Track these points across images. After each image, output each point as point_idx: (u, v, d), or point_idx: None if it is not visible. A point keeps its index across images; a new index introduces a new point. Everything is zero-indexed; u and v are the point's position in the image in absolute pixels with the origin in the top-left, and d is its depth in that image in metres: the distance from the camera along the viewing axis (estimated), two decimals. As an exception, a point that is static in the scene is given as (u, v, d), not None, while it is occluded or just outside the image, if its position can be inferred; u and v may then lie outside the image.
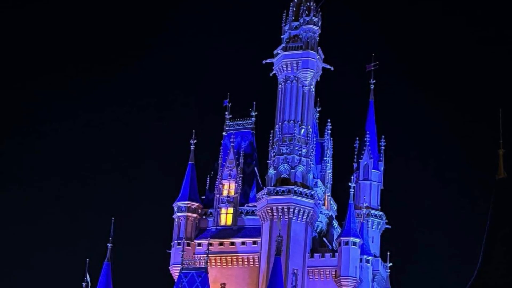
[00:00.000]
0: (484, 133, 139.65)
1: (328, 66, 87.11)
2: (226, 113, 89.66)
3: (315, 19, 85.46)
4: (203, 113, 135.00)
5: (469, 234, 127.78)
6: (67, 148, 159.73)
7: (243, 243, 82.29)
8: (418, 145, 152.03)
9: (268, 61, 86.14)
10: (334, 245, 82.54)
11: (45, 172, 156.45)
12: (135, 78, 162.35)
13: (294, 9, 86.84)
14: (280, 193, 79.81)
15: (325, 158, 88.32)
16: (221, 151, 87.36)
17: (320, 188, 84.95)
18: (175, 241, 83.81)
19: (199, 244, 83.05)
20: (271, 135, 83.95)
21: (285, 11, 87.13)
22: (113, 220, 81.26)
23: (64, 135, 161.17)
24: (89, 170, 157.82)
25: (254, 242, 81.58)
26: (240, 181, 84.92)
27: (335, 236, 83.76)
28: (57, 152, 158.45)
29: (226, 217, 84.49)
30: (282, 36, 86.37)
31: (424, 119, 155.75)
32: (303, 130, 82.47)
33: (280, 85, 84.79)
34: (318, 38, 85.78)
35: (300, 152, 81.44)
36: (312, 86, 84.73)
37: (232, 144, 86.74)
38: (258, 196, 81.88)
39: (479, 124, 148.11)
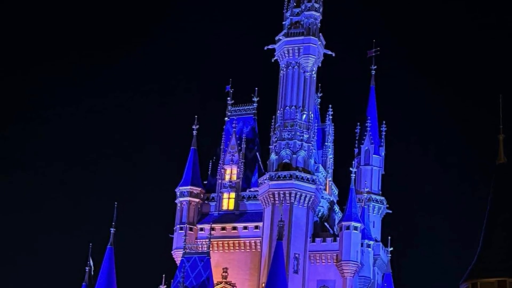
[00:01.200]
0: (484, 119, 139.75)
1: (330, 52, 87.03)
2: (228, 98, 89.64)
3: (316, 5, 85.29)
4: (205, 99, 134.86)
5: (470, 218, 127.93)
6: (70, 134, 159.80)
7: (245, 227, 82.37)
8: (419, 130, 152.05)
9: (270, 47, 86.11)
10: (335, 230, 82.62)
11: (49, 157, 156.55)
12: (138, 64, 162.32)
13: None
14: (281, 178, 79.84)
15: (326, 144, 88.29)
16: (223, 136, 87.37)
17: (322, 173, 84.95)
18: (178, 226, 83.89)
19: (201, 229, 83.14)
20: (273, 121, 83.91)
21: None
22: (116, 205, 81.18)
23: (67, 121, 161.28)
24: (92, 155, 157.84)
25: (256, 227, 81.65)
26: (242, 166, 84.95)
27: (337, 221, 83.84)
28: (60, 137, 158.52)
29: (228, 202, 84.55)
30: (283, 22, 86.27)
31: (424, 105, 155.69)
32: (304, 116, 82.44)
33: (281, 71, 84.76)
34: (319, 24, 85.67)
35: (301, 138, 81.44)
36: (313, 72, 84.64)
37: (234, 129, 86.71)
38: (260, 181, 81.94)
39: (479, 109, 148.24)
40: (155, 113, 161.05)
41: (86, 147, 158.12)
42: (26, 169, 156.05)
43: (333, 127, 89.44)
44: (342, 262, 78.85)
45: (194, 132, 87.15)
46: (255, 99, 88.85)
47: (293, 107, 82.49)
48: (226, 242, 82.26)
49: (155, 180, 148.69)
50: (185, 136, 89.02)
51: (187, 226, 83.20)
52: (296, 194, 79.40)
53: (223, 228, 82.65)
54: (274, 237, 77.66)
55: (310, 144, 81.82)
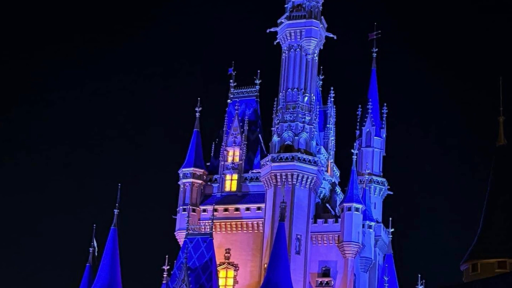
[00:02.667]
0: (484, 101, 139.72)
1: (331, 35, 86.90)
2: (231, 81, 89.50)
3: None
4: (208, 82, 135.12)
5: (470, 199, 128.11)
6: (75, 116, 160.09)
7: (248, 209, 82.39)
8: (420, 112, 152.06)
9: (272, 30, 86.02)
10: (337, 211, 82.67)
11: (53, 139, 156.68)
12: (141, 47, 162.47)
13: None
14: (283, 160, 79.83)
15: (328, 126, 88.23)
16: (225, 118, 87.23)
17: (323, 155, 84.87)
18: (181, 207, 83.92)
19: (204, 210, 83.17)
20: (275, 103, 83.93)
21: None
22: (119, 187, 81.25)
23: (71, 104, 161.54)
24: (96, 137, 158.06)
25: (258, 208, 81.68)
26: (244, 148, 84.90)
27: (338, 202, 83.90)
28: (65, 120, 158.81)
29: (230, 183, 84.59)
30: (285, 5, 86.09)
31: (425, 87, 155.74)
32: (306, 98, 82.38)
33: (284, 54, 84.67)
34: (321, 7, 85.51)
35: (303, 120, 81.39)
36: (315, 55, 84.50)
37: (236, 111, 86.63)
38: (262, 163, 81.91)
39: (480, 91, 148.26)
40: (159, 95, 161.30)
41: (90, 129, 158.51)
42: (30, 151, 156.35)
43: (334, 109, 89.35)
44: (343, 243, 78.81)
45: (197, 114, 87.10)
46: (257, 81, 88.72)
47: (295, 89, 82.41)
48: (229, 223, 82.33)
49: (159, 162, 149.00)
50: (188, 118, 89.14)
51: (190, 207, 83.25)
52: (298, 175, 79.38)
53: (226, 210, 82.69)
54: (276, 218, 77.64)
55: (312, 126, 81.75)
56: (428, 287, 78.55)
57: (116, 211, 79.91)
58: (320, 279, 79.03)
